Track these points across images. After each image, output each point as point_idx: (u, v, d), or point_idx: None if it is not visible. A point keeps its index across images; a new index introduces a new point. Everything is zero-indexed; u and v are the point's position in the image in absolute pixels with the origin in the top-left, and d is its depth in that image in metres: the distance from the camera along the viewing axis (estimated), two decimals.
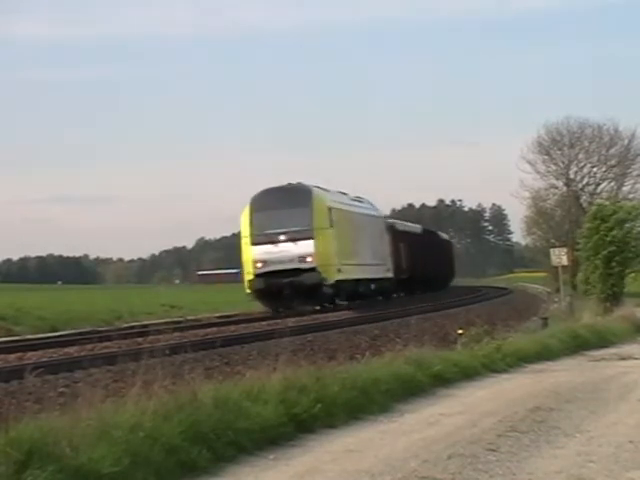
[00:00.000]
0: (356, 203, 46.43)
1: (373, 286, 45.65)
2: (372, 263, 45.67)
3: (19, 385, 14.71)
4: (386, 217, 60.14)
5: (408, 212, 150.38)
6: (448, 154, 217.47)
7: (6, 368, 17.44)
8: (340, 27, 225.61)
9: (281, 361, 13.83)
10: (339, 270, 39.49)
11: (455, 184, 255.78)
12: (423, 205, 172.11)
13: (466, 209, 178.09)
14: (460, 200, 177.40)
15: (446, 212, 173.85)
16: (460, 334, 22.89)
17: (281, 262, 38.20)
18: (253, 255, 38.80)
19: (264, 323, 30.16)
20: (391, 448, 11.36)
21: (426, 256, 62.35)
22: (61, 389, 14.73)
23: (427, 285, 64.28)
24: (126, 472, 9.01)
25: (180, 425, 10.25)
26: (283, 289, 38.02)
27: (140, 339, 23.46)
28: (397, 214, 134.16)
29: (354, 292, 42.43)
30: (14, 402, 12.67)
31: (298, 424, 12.22)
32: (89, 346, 22.36)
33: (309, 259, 38.35)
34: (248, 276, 39.02)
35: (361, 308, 38.33)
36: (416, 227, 67.58)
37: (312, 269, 38.16)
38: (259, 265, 38.57)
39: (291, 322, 28.66)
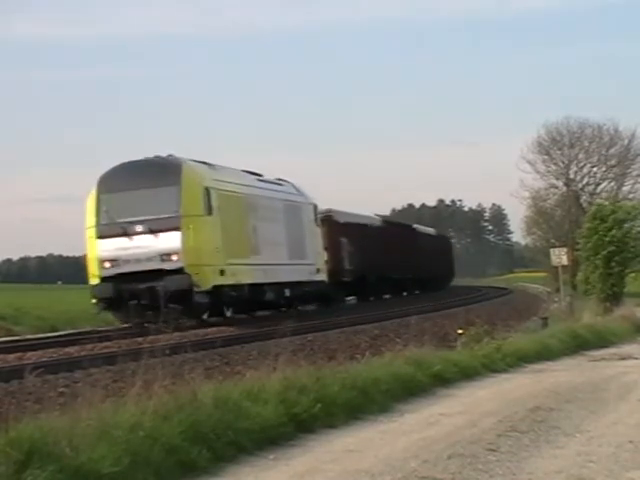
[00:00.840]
0: (265, 185, 36.26)
1: (288, 292, 35.98)
2: (287, 263, 36.01)
3: (19, 385, 14.72)
4: (362, 210, 52.76)
5: (408, 212, 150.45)
6: (448, 154, 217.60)
7: (6, 368, 17.48)
8: (340, 27, 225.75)
9: (281, 361, 13.84)
10: (222, 272, 30.38)
11: (455, 184, 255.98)
12: (423, 205, 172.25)
13: (466, 209, 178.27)
14: (460, 200, 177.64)
15: (446, 212, 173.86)
16: (460, 334, 22.91)
17: (137, 261, 29.26)
18: (99, 252, 29.64)
19: (264, 323, 30.18)
20: (391, 448, 11.36)
21: (393, 254, 54.04)
22: (61, 389, 14.75)
23: (400, 288, 57.20)
24: (126, 472, 9.01)
25: (180, 425, 10.26)
26: (140, 297, 29.13)
27: (140, 339, 23.48)
28: (397, 214, 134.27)
29: (254, 300, 33.14)
30: (14, 402, 12.67)
31: (298, 424, 12.22)
32: (89, 346, 22.39)
33: (175, 257, 29.24)
34: (93, 280, 29.94)
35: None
36: (371, 218, 56.20)
37: (179, 270, 29.09)
38: (107, 265, 29.46)
39: (291, 322, 28.56)
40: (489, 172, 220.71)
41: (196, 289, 29.17)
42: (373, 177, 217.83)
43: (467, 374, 18.82)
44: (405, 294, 58.53)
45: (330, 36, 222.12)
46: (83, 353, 21.10)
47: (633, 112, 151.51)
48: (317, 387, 13.23)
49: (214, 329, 27.69)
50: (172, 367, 14.87)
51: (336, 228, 45.58)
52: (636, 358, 23.20)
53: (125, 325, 29.74)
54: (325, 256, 41.21)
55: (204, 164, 32.02)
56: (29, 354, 21.11)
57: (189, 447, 10.10)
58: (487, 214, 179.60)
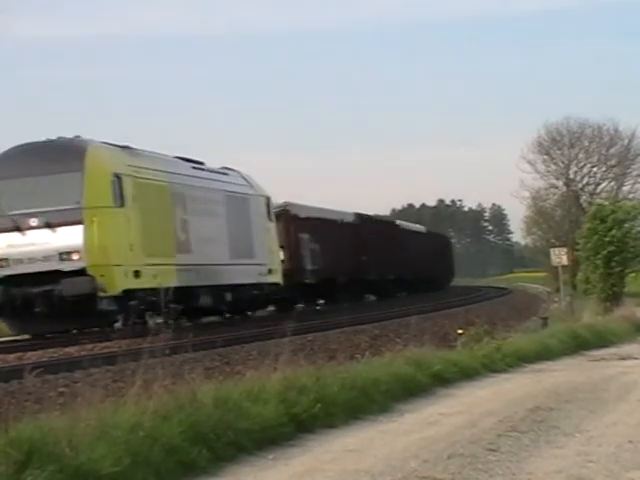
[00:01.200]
0: (201, 174, 31.31)
1: (230, 296, 31.45)
2: (229, 263, 31.41)
3: (19, 385, 14.73)
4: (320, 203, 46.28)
5: (408, 212, 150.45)
6: (448, 154, 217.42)
7: (6, 368, 17.48)
8: (340, 27, 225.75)
9: (281, 361, 13.84)
10: (137, 273, 25.85)
11: (455, 184, 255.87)
12: (423, 205, 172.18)
13: (466, 209, 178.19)
14: (460, 200, 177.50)
15: (446, 212, 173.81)
16: (460, 334, 22.92)
17: (31, 261, 24.85)
18: None
19: (264, 323, 30.16)
20: (391, 448, 11.36)
21: (370, 253, 49.87)
22: (61, 389, 14.76)
23: (381, 290, 52.74)
24: (126, 472, 9.01)
25: (180, 425, 10.26)
26: (34, 303, 24.63)
27: (140, 339, 23.47)
28: (397, 214, 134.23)
29: (184, 305, 27.14)
30: (14, 402, 12.68)
31: (298, 424, 12.23)
32: (89, 346, 22.39)
33: (75, 256, 24.74)
34: None
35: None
36: (341, 213, 49.80)
37: (80, 272, 24.60)
38: None
39: (291, 322, 28.34)
40: (489, 172, 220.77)
41: (101, 294, 24.72)
42: (373, 177, 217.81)
43: (467, 374, 18.82)
44: (388, 296, 53.57)
45: (330, 36, 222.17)
46: (83, 353, 21.10)
47: (633, 112, 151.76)
48: (317, 387, 13.24)
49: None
50: (172, 367, 14.88)
51: (295, 223, 41.05)
52: (636, 358, 23.21)
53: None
54: (281, 255, 36.75)
55: (119, 147, 27.28)
56: (29, 354, 21.12)
57: (189, 447, 10.10)
58: (487, 214, 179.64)
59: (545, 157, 76.52)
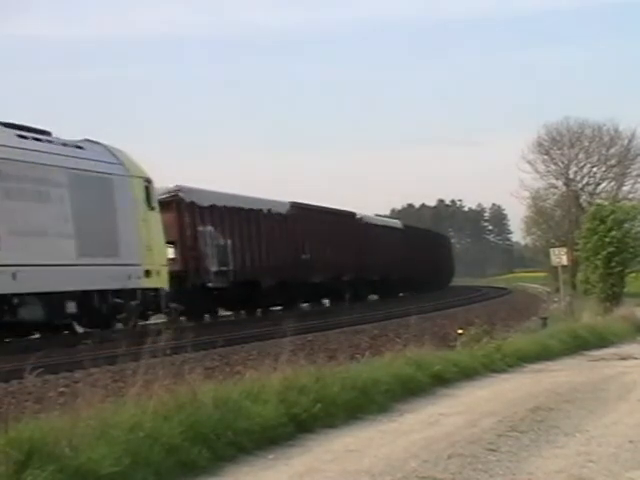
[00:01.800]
0: (32, 145, 24.06)
1: (75, 307, 24.69)
2: (73, 263, 24.47)
3: (19, 385, 14.73)
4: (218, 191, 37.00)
5: (408, 212, 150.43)
6: (448, 154, 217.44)
7: (6, 368, 17.48)
8: (340, 28, 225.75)
9: (281, 361, 13.84)
10: None
11: (455, 184, 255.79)
12: (423, 205, 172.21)
13: (466, 209, 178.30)
14: (460, 200, 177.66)
15: (446, 212, 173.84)
16: (460, 334, 22.91)
17: None
18: None
19: (264, 323, 30.18)
20: (391, 448, 11.36)
21: (314, 252, 43.02)
22: (61, 389, 14.77)
23: (332, 294, 45.55)
24: (126, 472, 9.01)
25: (180, 425, 10.26)
26: None
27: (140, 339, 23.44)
28: (397, 214, 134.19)
29: None
30: (14, 402, 12.68)
31: (298, 424, 12.23)
32: (89, 346, 22.35)
33: None
34: None
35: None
36: (268, 202, 40.95)
37: None
38: None
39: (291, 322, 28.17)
40: (489, 172, 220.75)
41: None
42: (373, 177, 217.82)
43: (467, 374, 18.82)
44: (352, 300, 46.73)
45: (330, 37, 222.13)
46: (83, 353, 21.09)
47: (633, 112, 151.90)
48: (317, 387, 13.23)
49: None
50: (172, 367, 14.88)
51: (192, 213, 33.64)
52: (636, 358, 23.20)
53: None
54: (171, 253, 30.56)
55: None
56: (29, 354, 21.08)
57: (189, 447, 10.10)
58: (487, 214, 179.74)
59: (545, 157, 76.66)
